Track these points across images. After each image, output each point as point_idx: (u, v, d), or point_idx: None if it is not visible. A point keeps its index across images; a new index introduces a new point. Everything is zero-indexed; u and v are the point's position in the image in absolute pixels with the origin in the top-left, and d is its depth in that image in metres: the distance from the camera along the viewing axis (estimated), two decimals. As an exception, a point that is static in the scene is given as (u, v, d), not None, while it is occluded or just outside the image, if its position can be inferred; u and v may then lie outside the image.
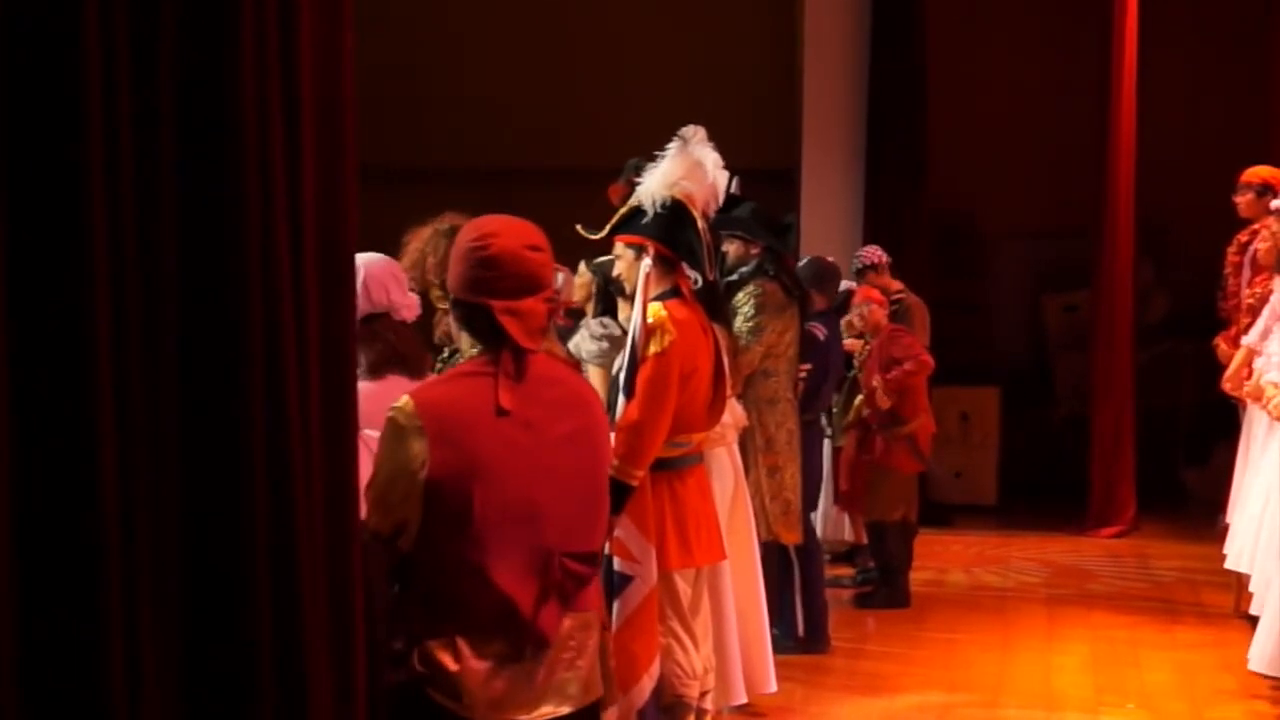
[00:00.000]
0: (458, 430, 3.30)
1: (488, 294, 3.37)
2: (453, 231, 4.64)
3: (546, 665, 3.40)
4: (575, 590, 3.43)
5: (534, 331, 3.42)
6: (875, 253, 9.45)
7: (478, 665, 3.32)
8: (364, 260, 3.95)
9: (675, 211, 5.19)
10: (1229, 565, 8.14)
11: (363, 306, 3.84)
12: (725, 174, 5.37)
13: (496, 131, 13.24)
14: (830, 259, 8.66)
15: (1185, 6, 12.49)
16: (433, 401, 3.34)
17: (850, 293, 9.32)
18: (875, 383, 8.73)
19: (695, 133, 5.29)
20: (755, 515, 6.81)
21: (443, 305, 4.56)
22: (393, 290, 4.05)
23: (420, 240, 4.65)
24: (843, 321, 8.88)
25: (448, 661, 3.31)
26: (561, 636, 3.41)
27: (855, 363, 9.06)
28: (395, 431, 3.30)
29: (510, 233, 3.46)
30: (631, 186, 5.57)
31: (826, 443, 8.91)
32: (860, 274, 9.41)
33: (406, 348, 4.06)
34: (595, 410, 3.58)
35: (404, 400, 3.33)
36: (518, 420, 3.35)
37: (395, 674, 3.32)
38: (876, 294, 9.03)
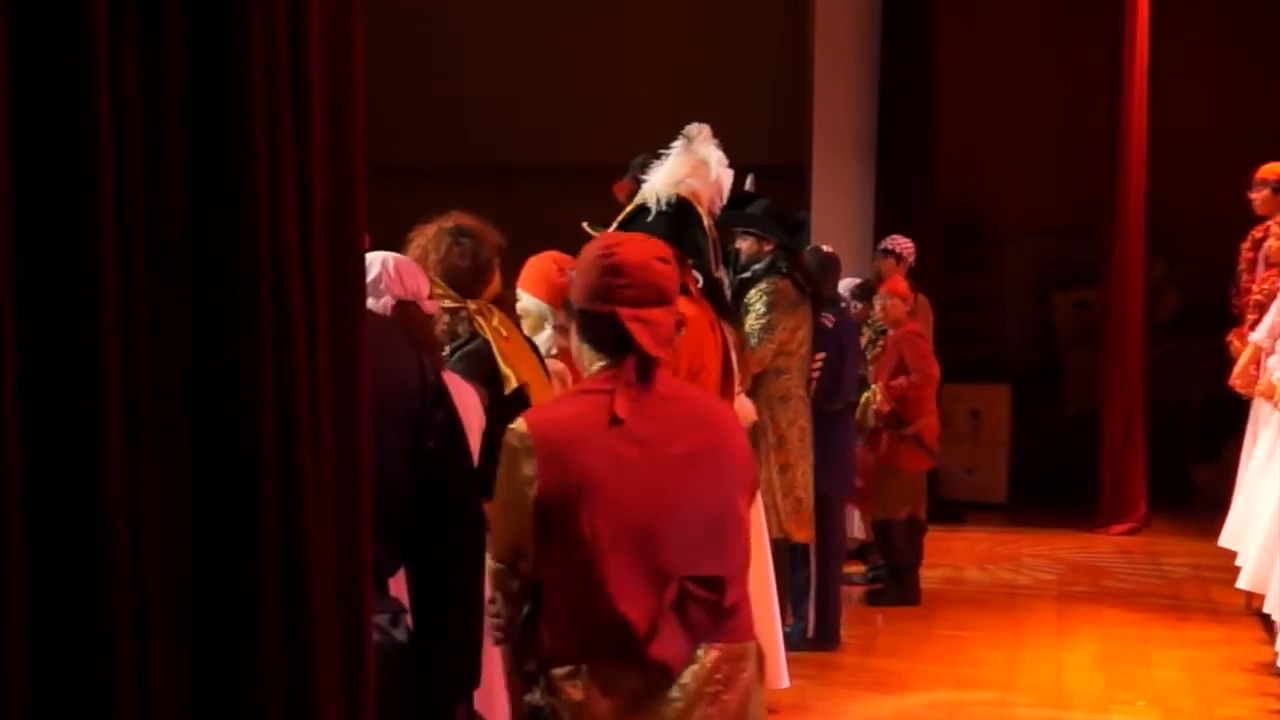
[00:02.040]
0: (565, 447, 3.23)
1: (615, 301, 3.31)
2: (457, 230, 4.65)
3: (686, 699, 3.25)
4: (707, 619, 3.28)
5: (662, 341, 3.35)
6: (908, 246, 9.36)
7: (605, 697, 3.22)
8: (390, 255, 4.02)
9: (680, 209, 5.19)
10: (1222, 543, 8.20)
11: (395, 291, 3.90)
12: (730, 172, 5.37)
13: (504, 129, 13.26)
14: (828, 249, 8.65)
15: (1196, 3, 12.46)
16: (544, 420, 3.30)
17: (870, 281, 9.32)
18: (878, 386, 8.73)
19: (700, 131, 5.29)
20: (766, 512, 6.81)
21: (443, 304, 4.58)
22: (420, 280, 4.09)
23: (424, 237, 4.65)
24: (869, 308, 8.91)
25: (573, 692, 3.22)
26: (706, 669, 3.27)
27: (867, 354, 9.06)
28: (508, 455, 3.26)
29: (637, 244, 3.44)
30: (637, 183, 5.58)
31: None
32: (883, 255, 9.34)
33: (429, 338, 4.09)
34: (723, 429, 3.44)
35: (518, 421, 3.29)
36: (630, 436, 3.27)
37: (527, 694, 3.28)
38: (903, 287, 8.98)
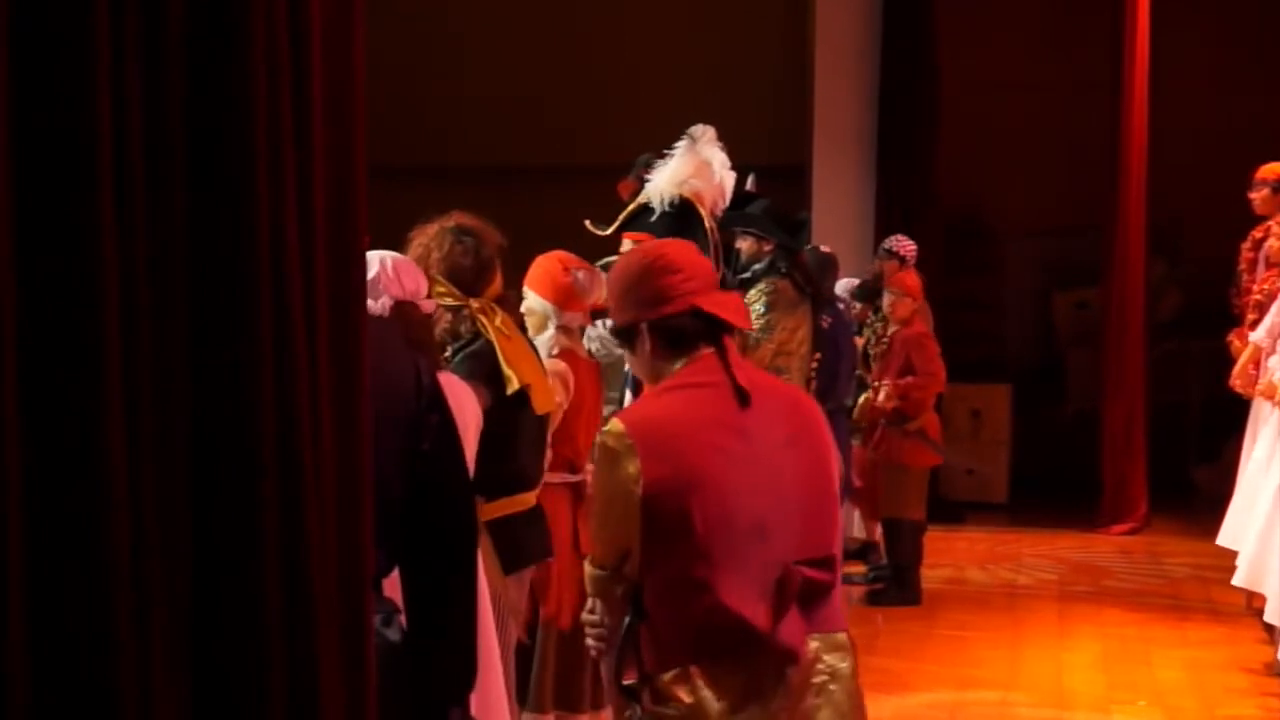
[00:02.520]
0: (671, 443, 3.20)
1: (685, 294, 3.30)
2: (459, 229, 4.64)
3: (794, 693, 3.22)
4: (818, 601, 3.27)
5: (742, 313, 3.39)
6: (910, 247, 9.35)
7: (715, 699, 3.17)
8: (389, 254, 3.98)
9: (683, 210, 5.20)
10: (1221, 541, 8.20)
11: (394, 291, 3.86)
12: (733, 174, 5.38)
13: (504, 129, 13.26)
14: (825, 249, 8.65)
15: (1196, 3, 12.46)
16: (643, 418, 3.27)
17: (869, 282, 9.32)
18: (884, 382, 8.72)
19: (704, 132, 5.30)
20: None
21: (444, 303, 4.57)
22: (420, 280, 4.07)
23: (425, 236, 4.64)
24: (869, 309, 8.91)
25: (682, 695, 3.17)
26: (809, 660, 3.25)
27: (869, 354, 9.06)
28: (607, 455, 3.21)
29: (675, 244, 3.48)
30: (641, 182, 5.58)
31: (841, 435, 8.89)
32: (886, 256, 9.33)
33: (424, 341, 4.07)
34: (809, 411, 3.44)
35: (612, 423, 3.25)
36: (733, 429, 3.24)
37: (628, 710, 3.22)
38: (915, 285, 8.97)
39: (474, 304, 4.67)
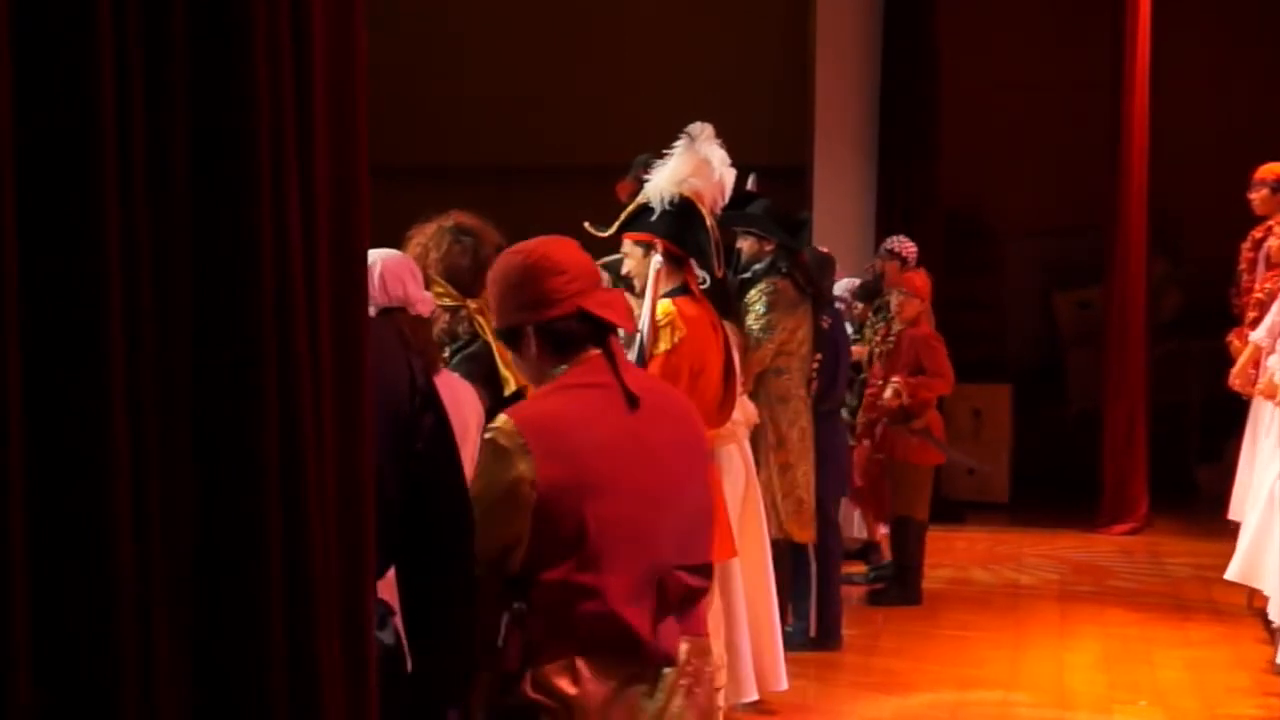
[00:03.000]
0: (565, 444, 3.18)
1: (572, 295, 3.26)
2: (458, 229, 4.62)
3: (665, 692, 3.24)
4: (691, 606, 3.29)
5: (627, 314, 3.34)
6: (911, 249, 9.33)
7: (598, 689, 3.17)
8: (380, 255, 3.90)
9: (683, 209, 5.19)
10: (1232, 516, 8.23)
11: (379, 299, 3.77)
12: (733, 171, 5.37)
13: (504, 128, 13.27)
14: (824, 250, 8.65)
15: (1197, 3, 12.47)
16: (536, 417, 3.23)
17: (870, 282, 9.31)
18: (895, 380, 8.71)
19: (703, 130, 5.29)
20: (766, 513, 6.82)
21: (442, 302, 4.55)
22: (409, 285, 4.00)
23: (424, 235, 4.62)
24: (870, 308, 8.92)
25: (565, 686, 3.17)
26: (679, 662, 3.26)
27: (874, 353, 9.05)
28: (497, 452, 3.18)
29: (555, 242, 3.37)
30: (640, 183, 5.58)
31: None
32: (887, 257, 9.32)
33: (421, 343, 4.02)
34: (690, 416, 3.43)
35: (502, 419, 3.22)
36: (624, 431, 3.23)
37: (505, 699, 3.21)
38: (923, 286, 8.97)
39: (472, 304, 4.65)
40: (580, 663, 3.18)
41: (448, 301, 4.59)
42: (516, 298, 3.31)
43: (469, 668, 3.43)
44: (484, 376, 4.60)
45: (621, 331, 3.55)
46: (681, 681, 3.27)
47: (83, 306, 2.12)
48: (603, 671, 3.19)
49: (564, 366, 3.30)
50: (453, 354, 4.65)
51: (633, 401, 3.25)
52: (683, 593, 3.25)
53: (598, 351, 3.28)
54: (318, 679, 2.44)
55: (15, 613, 2.06)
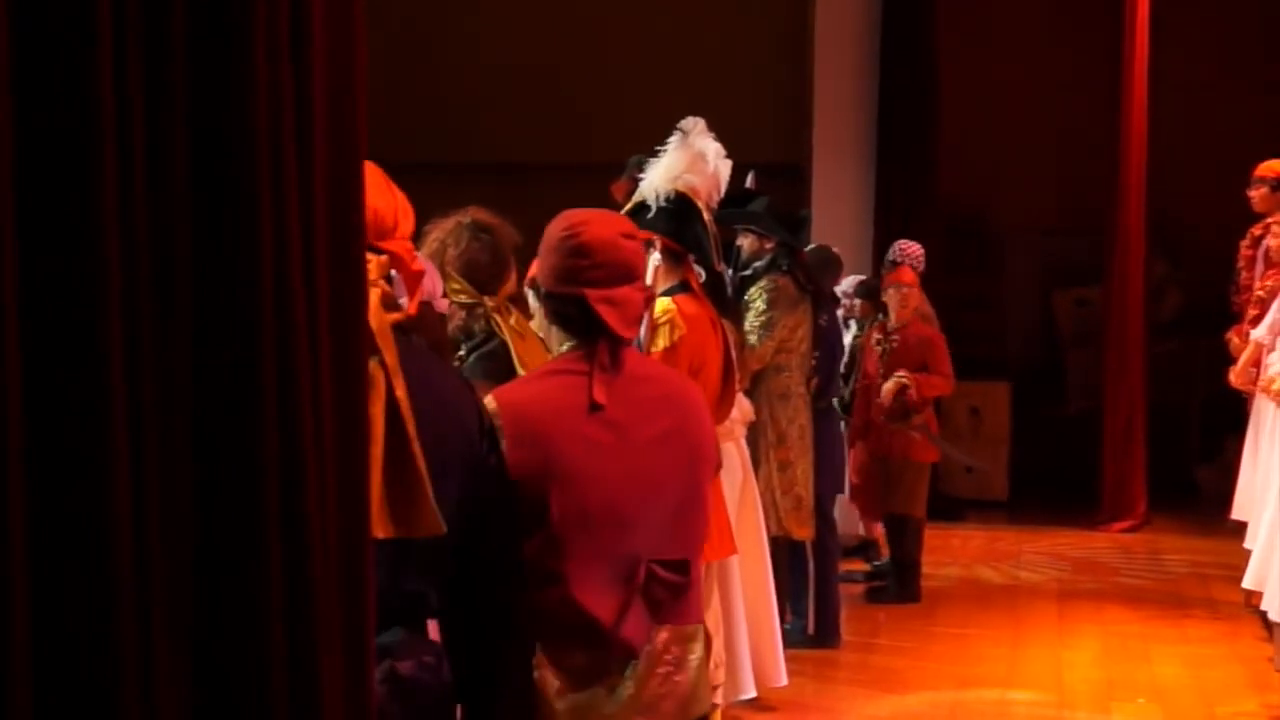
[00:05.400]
0: (536, 430, 3.16)
1: (582, 283, 3.25)
2: (475, 225, 4.59)
3: (636, 679, 3.23)
4: (668, 600, 3.26)
5: (631, 320, 3.30)
6: (918, 256, 9.26)
7: (554, 678, 3.18)
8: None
9: (680, 205, 5.19)
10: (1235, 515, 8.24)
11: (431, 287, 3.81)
12: (728, 163, 5.36)
13: (504, 128, 13.27)
14: (834, 250, 8.65)
15: (1197, 3, 12.47)
16: (514, 400, 3.22)
17: (871, 281, 9.32)
18: (905, 378, 8.70)
19: (695, 124, 5.29)
20: (765, 510, 6.82)
21: (458, 300, 4.53)
22: (433, 278, 4.02)
23: (442, 231, 4.58)
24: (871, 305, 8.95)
25: None
26: (656, 650, 3.25)
27: (858, 349, 9.07)
28: None
29: (601, 221, 3.36)
30: (635, 183, 5.58)
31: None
32: (893, 267, 9.29)
33: (440, 337, 4.03)
34: (693, 409, 3.39)
35: (487, 399, 3.19)
36: (603, 421, 3.21)
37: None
38: (910, 277, 8.96)
39: (489, 302, 4.62)
40: (540, 648, 3.16)
41: (464, 299, 4.56)
42: (545, 258, 3.36)
43: (527, 709, 3.33)
44: (501, 375, 4.58)
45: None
46: (659, 670, 3.25)
47: (82, 306, 2.12)
48: (564, 658, 3.18)
49: (570, 344, 3.32)
50: (469, 352, 4.62)
51: (594, 406, 3.20)
52: (658, 587, 3.23)
53: (604, 341, 3.27)
54: (318, 679, 2.44)
55: (15, 613, 2.06)
